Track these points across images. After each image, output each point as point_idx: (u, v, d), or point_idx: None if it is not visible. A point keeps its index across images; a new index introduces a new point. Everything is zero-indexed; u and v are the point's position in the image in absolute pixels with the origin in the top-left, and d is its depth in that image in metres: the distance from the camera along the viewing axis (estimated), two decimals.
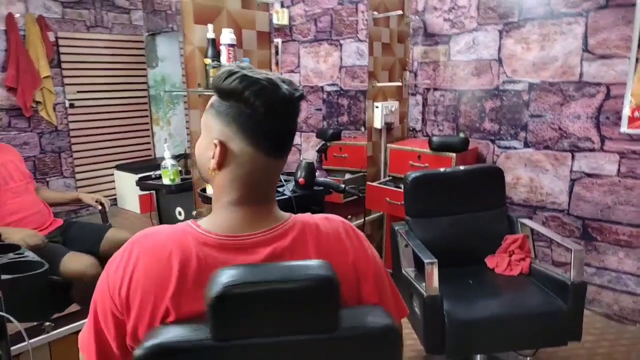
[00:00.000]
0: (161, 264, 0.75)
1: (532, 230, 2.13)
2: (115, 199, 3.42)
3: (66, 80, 3.31)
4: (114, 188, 3.51)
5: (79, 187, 3.41)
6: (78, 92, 3.38)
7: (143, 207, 2.68)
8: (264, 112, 0.75)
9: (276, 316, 0.72)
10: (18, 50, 3.11)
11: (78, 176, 3.43)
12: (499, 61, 2.75)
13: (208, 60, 1.97)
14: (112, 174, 3.49)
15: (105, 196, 3.40)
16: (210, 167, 0.79)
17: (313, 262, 0.75)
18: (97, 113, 3.45)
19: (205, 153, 0.81)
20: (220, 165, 0.79)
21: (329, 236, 0.83)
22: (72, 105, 3.35)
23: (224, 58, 1.95)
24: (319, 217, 0.86)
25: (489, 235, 2.17)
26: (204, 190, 1.99)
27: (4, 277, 1.19)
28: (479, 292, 1.92)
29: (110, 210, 2.83)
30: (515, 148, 2.75)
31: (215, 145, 0.78)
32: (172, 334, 0.70)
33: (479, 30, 2.80)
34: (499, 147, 2.81)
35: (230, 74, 0.77)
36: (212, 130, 0.79)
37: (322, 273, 0.72)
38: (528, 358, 2.12)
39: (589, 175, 2.51)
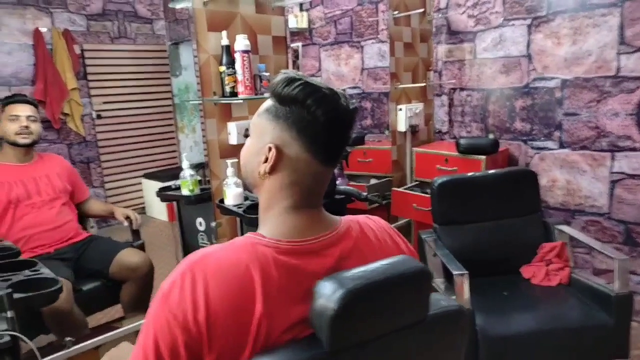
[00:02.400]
0: (240, 280, 0.71)
1: (570, 237, 1.99)
2: (144, 207, 3.45)
3: (92, 92, 3.36)
4: (142, 197, 3.54)
5: (108, 197, 3.46)
6: (104, 102, 3.43)
7: (170, 215, 2.67)
8: (324, 121, 0.76)
9: (386, 314, 0.74)
10: (45, 63, 3.18)
11: (107, 185, 3.48)
12: (529, 57, 2.61)
13: (223, 68, 1.93)
14: (140, 183, 3.52)
15: (134, 205, 3.43)
16: (261, 171, 0.79)
17: (402, 257, 0.78)
18: (123, 123, 3.50)
19: (256, 157, 0.81)
20: (272, 171, 0.79)
21: (383, 235, 0.88)
22: (99, 116, 3.40)
23: (238, 65, 1.90)
24: (363, 217, 0.89)
25: (523, 243, 2.05)
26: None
27: (16, 295, 1.17)
28: (514, 305, 1.80)
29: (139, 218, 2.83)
30: (549, 149, 2.60)
31: (270, 150, 0.78)
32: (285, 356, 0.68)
33: (505, 26, 2.67)
34: (532, 148, 2.67)
35: (291, 80, 0.78)
36: (265, 135, 0.80)
37: (419, 264, 0.76)
38: None
39: (631, 176, 2.35)
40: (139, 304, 1.94)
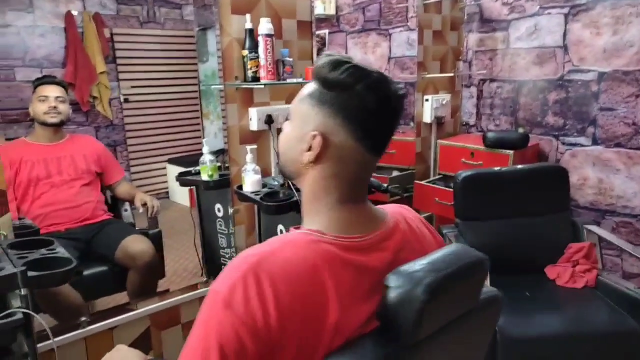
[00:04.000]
0: (310, 281, 0.66)
1: (599, 237, 1.90)
2: (168, 192, 3.49)
3: (121, 76, 3.40)
4: (166, 181, 3.58)
5: (133, 180, 3.50)
6: (132, 87, 3.47)
7: (192, 201, 2.69)
8: (374, 107, 0.72)
9: (455, 303, 0.75)
10: (76, 47, 3.22)
11: (132, 169, 3.52)
12: (564, 48, 2.49)
13: (245, 52, 1.90)
14: (165, 168, 3.56)
15: (158, 189, 3.48)
16: (304, 160, 0.75)
17: (458, 247, 0.78)
18: (150, 107, 3.52)
19: (298, 145, 0.76)
20: (317, 160, 0.75)
21: (419, 225, 0.86)
22: (126, 100, 3.44)
23: (261, 49, 1.87)
24: (398, 207, 0.87)
25: (549, 243, 1.97)
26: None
27: (30, 273, 1.18)
28: (537, 306, 1.73)
29: (162, 202, 2.85)
30: (581, 145, 2.48)
31: (314, 137, 0.73)
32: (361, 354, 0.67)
33: (541, 14, 2.55)
34: (563, 143, 2.56)
35: (338, 63, 0.73)
36: (308, 121, 0.75)
37: (479, 253, 0.76)
38: None
39: None
40: (142, 291, 1.93)
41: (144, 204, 2.11)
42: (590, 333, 1.59)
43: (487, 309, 0.83)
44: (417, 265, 0.70)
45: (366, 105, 0.72)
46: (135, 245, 1.93)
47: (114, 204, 2.20)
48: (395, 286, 0.67)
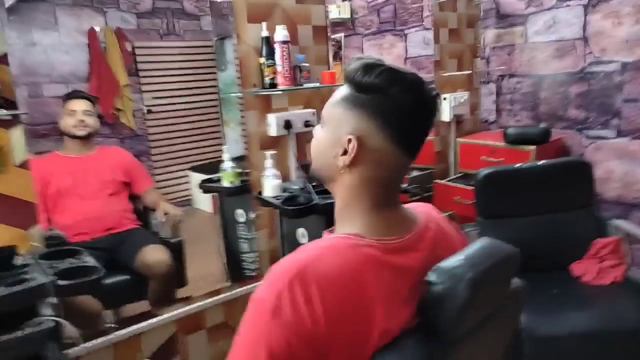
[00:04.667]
0: (356, 286, 0.66)
1: (627, 232, 1.86)
2: (191, 199, 3.56)
3: (143, 88, 3.47)
4: (189, 189, 3.65)
5: (157, 189, 3.58)
6: (154, 98, 3.54)
7: (215, 207, 2.73)
8: (411, 109, 0.72)
9: (492, 298, 0.77)
10: (99, 61, 3.31)
11: (156, 178, 3.60)
12: (584, 40, 2.44)
13: (262, 60, 1.93)
14: (188, 175, 3.63)
15: (181, 197, 3.54)
16: (340, 164, 0.75)
17: (489, 242, 0.79)
18: (172, 117, 3.59)
19: (333, 149, 0.76)
20: (352, 164, 0.75)
21: (445, 222, 0.87)
22: (149, 111, 3.51)
23: (277, 56, 1.90)
24: (423, 206, 0.88)
25: (575, 239, 1.93)
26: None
27: (60, 282, 1.23)
28: (564, 304, 1.70)
29: (186, 210, 2.90)
30: (606, 138, 2.43)
31: (350, 141, 0.73)
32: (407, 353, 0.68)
33: (559, 7, 2.51)
34: (587, 137, 2.51)
35: (371, 66, 0.73)
36: (343, 125, 0.75)
37: (511, 247, 0.78)
38: None
39: None
40: (161, 300, 1.95)
41: (166, 213, 2.15)
42: (620, 330, 1.55)
43: (515, 301, 0.85)
44: (455, 261, 0.72)
45: (402, 108, 0.72)
46: (153, 255, 1.95)
47: (145, 213, 2.24)
48: (437, 282, 0.69)
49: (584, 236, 1.90)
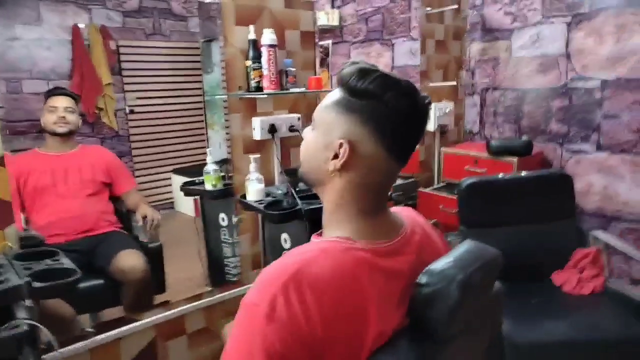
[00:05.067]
0: (350, 289, 0.67)
1: (606, 244, 1.89)
2: (173, 202, 3.50)
3: (126, 87, 3.43)
4: (172, 192, 3.59)
5: (139, 191, 3.52)
6: (137, 98, 3.49)
7: (197, 211, 2.70)
8: (405, 116, 0.73)
9: (478, 297, 0.79)
10: (82, 59, 3.25)
11: (138, 180, 3.54)
12: (567, 56, 2.50)
13: (249, 62, 1.92)
14: (170, 178, 3.58)
15: (163, 199, 3.49)
16: (330, 168, 0.75)
17: (473, 245, 0.81)
18: (155, 118, 3.55)
19: (323, 153, 0.76)
20: (343, 168, 0.75)
21: (428, 226, 0.88)
22: (132, 112, 3.46)
23: (264, 60, 1.89)
24: (407, 210, 0.89)
25: (555, 249, 1.96)
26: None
27: (35, 284, 1.18)
28: (544, 313, 1.72)
29: (167, 213, 2.85)
30: (586, 152, 2.48)
31: (341, 145, 0.73)
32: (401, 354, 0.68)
33: (544, 23, 2.56)
34: (567, 151, 2.55)
35: (366, 72, 0.73)
36: (335, 129, 0.75)
37: (494, 249, 0.81)
38: None
39: None
40: (137, 306, 1.88)
41: (144, 217, 2.08)
42: (598, 340, 1.57)
43: (497, 302, 0.88)
44: (445, 263, 0.73)
45: (396, 114, 0.72)
46: (127, 260, 1.88)
47: (127, 216, 2.19)
48: (428, 284, 0.70)
49: (565, 246, 1.93)
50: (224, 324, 1.36)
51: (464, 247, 0.80)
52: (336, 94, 0.77)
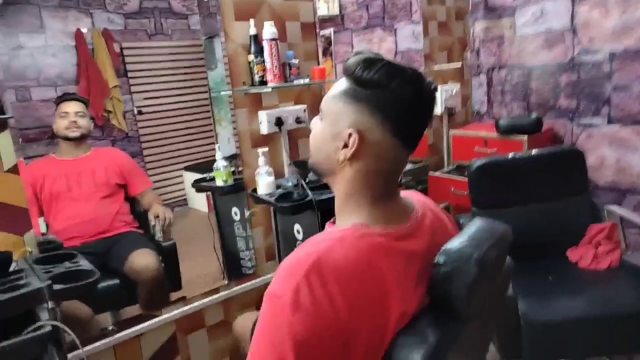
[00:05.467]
0: (372, 274, 0.68)
1: (621, 217, 1.87)
2: (185, 199, 3.54)
3: (133, 89, 3.44)
4: (184, 189, 3.63)
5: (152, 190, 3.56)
6: (145, 99, 3.52)
7: (210, 206, 2.72)
8: (411, 103, 0.74)
9: (493, 273, 0.82)
10: (87, 63, 3.28)
11: (150, 179, 3.58)
12: (573, 30, 2.45)
13: (251, 57, 1.92)
14: (181, 175, 3.61)
15: (176, 198, 3.52)
16: (340, 158, 0.76)
17: (483, 220, 0.83)
18: (163, 118, 3.57)
19: (332, 143, 0.77)
20: (353, 157, 0.76)
21: (437, 208, 0.90)
22: (140, 112, 3.49)
23: (266, 53, 1.89)
24: (416, 194, 0.90)
25: (570, 226, 1.94)
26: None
27: (56, 287, 1.21)
28: (561, 290, 1.71)
29: (181, 210, 2.88)
30: (597, 125, 2.44)
31: (350, 135, 0.74)
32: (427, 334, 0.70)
33: None
34: (578, 125, 2.52)
35: (372, 62, 0.74)
36: (343, 119, 0.76)
37: (504, 225, 0.83)
38: None
39: None
40: (152, 305, 1.90)
41: (157, 216, 2.09)
42: (616, 314, 1.56)
43: (506, 277, 0.90)
44: (460, 242, 0.75)
45: (403, 102, 0.73)
46: (140, 260, 1.89)
47: (144, 215, 2.20)
48: (446, 263, 0.72)
49: (579, 222, 1.92)
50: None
51: (475, 226, 0.81)
52: (343, 83, 0.78)
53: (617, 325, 1.56)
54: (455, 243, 0.75)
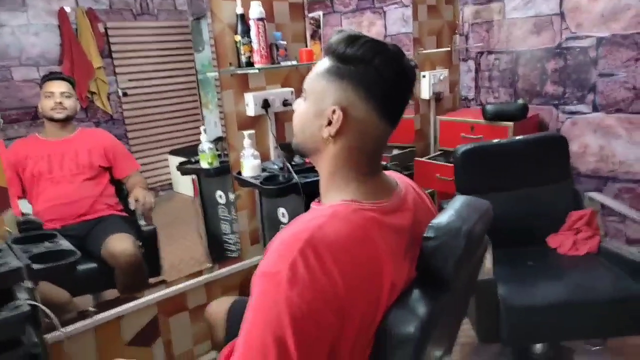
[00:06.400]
0: (366, 248, 0.70)
1: (602, 204, 1.89)
2: (171, 183, 3.51)
3: (118, 70, 3.38)
4: (169, 173, 3.60)
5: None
6: (130, 80, 3.46)
7: (195, 191, 2.70)
8: (393, 79, 0.74)
9: (478, 247, 0.87)
10: (71, 43, 3.20)
11: None
12: (561, 15, 2.45)
13: (238, 37, 1.89)
14: (167, 159, 3.58)
15: (161, 181, 3.50)
16: (324, 135, 0.77)
17: (466, 197, 0.87)
18: (149, 100, 3.51)
19: (316, 121, 0.78)
20: (337, 134, 0.77)
21: (417, 187, 0.92)
22: (125, 94, 3.43)
23: (253, 34, 1.86)
24: (395, 173, 0.91)
25: (551, 212, 1.96)
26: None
27: (35, 266, 1.20)
28: (540, 275, 1.74)
29: (166, 194, 2.85)
30: (582, 113, 2.46)
31: (334, 112, 0.75)
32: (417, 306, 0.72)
33: None
34: (563, 112, 2.53)
35: (354, 38, 0.75)
36: (327, 96, 0.77)
37: (486, 202, 0.88)
38: (597, 347, 1.91)
39: None
40: (130, 289, 1.87)
41: (137, 200, 2.02)
42: (594, 299, 1.59)
43: (483, 250, 0.94)
44: (448, 217, 0.78)
45: (385, 78, 0.74)
46: (117, 244, 1.85)
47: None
48: (435, 237, 0.74)
49: (561, 209, 1.94)
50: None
51: (459, 202, 0.84)
52: (325, 62, 0.78)
53: (593, 310, 1.59)
54: (444, 218, 0.77)
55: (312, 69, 0.81)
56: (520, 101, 2.54)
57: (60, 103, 1.94)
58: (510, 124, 2.37)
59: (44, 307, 1.18)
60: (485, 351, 1.98)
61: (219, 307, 1.32)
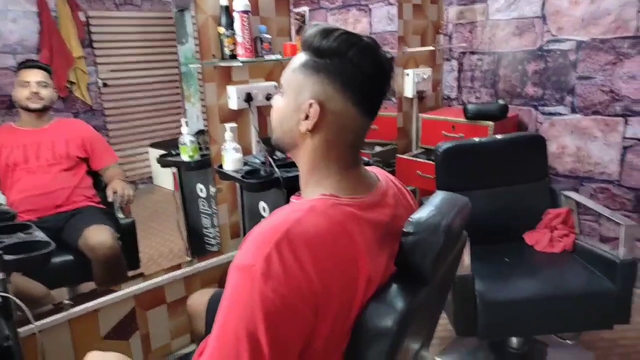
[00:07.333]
0: (343, 242, 0.69)
1: (577, 203, 1.94)
2: (151, 176, 3.47)
3: (98, 60, 3.32)
4: (150, 166, 3.55)
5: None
6: (111, 71, 3.40)
7: (176, 184, 2.67)
8: (369, 71, 0.74)
9: (456, 241, 0.87)
10: (50, 31, 3.13)
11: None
12: (543, 18, 2.50)
13: (222, 29, 1.88)
14: (147, 152, 3.53)
15: (141, 174, 3.44)
16: (302, 129, 0.77)
17: (445, 193, 0.87)
18: (130, 92, 3.46)
19: (294, 116, 0.78)
20: (315, 128, 0.76)
21: (397, 182, 0.92)
22: (105, 85, 3.37)
23: (237, 26, 1.85)
24: (377, 168, 0.91)
25: (528, 210, 2.00)
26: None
27: (7, 257, 1.17)
28: (516, 271, 1.77)
29: (146, 187, 2.81)
30: (560, 114, 2.51)
31: (310, 105, 0.75)
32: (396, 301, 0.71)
33: None
34: (542, 113, 2.58)
35: (329, 31, 0.75)
36: (304, 91, 0.76)
37: (464, 197, 0.88)
38: (570, 341, 1.96)
39: None
40: (107, 282, 1.83)
41: (115, 192, 1.98)
42: (567, 294, 1.63)
43: (462, 244, 0.96)
44: (427, 212, 0.78)
45: (361, 70, 0.74)
46: (94, 236, 1.81)
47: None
48: (415, 233, 0.75)
49: (538, 207, 1.97)
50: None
51: (439, 197, 0.85)
52: (301, 57, 0.78)
53: (567, 305, 1.63)
54: (423, 213, 0.77)
55: (289, 64, 0.81)
56: (500, 101, 2.58)
57: (37, 93, 1.88)
58: (491, 123, 2.41)
59: (15, 299, 1.16)
60: (463, 345, 2.01)
61: (200, 299, 1.31)
